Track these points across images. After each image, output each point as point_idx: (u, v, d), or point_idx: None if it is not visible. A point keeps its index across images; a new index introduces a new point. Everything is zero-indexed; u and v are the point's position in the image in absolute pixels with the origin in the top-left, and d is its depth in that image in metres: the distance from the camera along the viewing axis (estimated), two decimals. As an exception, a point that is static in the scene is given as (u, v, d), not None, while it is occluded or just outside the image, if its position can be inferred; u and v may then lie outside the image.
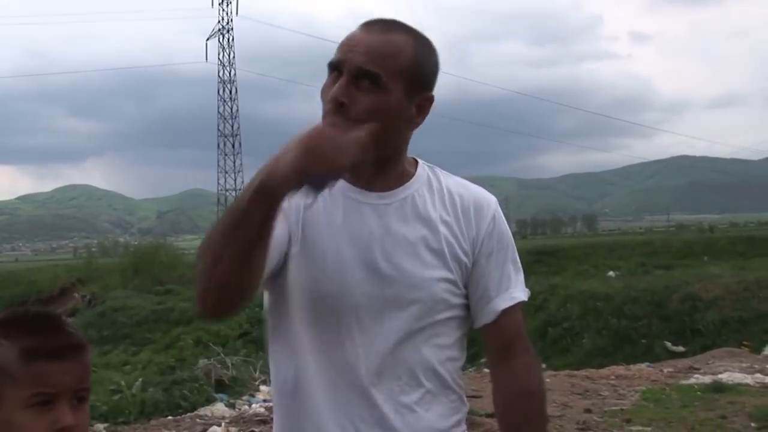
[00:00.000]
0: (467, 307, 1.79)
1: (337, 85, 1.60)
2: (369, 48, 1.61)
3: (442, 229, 1.73)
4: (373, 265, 1.66)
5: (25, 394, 1.41)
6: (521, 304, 1.82)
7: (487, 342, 1.83)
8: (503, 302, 1.78)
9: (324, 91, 1.65)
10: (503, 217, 1.82)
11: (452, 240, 1.73)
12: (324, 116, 1.63)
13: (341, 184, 1.67)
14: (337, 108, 1.60)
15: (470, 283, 1.77)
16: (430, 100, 1.71)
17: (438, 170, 1.82)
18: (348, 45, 1.63)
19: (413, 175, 1.77)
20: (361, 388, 1.66)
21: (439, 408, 1.74)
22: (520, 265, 1.84)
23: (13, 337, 1.45)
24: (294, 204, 1.66)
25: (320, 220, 1.68)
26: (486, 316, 1.78)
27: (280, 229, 1.60)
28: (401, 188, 1.73)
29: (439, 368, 1.74)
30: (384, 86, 1.61)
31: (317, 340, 1.67)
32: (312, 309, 1.67)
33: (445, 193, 1.77)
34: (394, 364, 1.67)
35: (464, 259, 1.74)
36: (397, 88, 1.62)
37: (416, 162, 1.80)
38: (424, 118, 1.71)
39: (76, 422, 1.42)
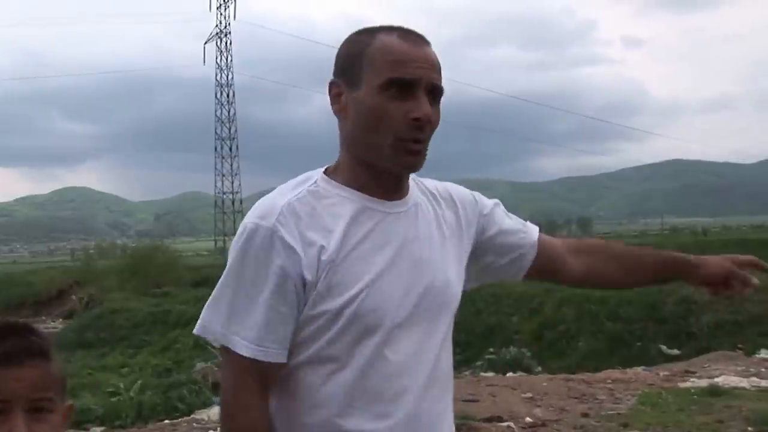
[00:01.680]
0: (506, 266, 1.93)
1: (424, 103, 1.61)
2: (432, 63, 1.64)
3: (450, 226, 1.80)
4: (408, 276, 1.66)
5: None
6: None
7: (545, 267, 1.96)
8: (534, 233, 1.95)
9: (390, 113, 1.62)
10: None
11: (460, 234, 1.81)
12: (399, 139, 1.61)
13: (358, 197, 1.67)
14: (426, 127, 1.62)
15: (491, 250, 1.89)
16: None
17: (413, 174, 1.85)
18: (411, 61, 1.62)
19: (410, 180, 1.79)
20: (406, 401, 1.64)
21: (450, 414, 1.79)
22: None
23: None
24: (304, 239, 1.60)
25: (350, 240, 1.63)
26: (531, 253, 1.93)
27: (286, 306, 1.59)
28: (409, 194, 1.74)
29: (451, 374, 1.80)
30: (439, 100, 1.66)
31: (355, 360, 1.61)
32: (347, 331, 1.60)
33: (435, 193, 1.83)
34: (435, 374, 1.70)
35: (468, 248, 1.84)
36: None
37: None
38: None
39: None
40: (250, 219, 1.62)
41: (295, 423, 1.65)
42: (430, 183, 1.85)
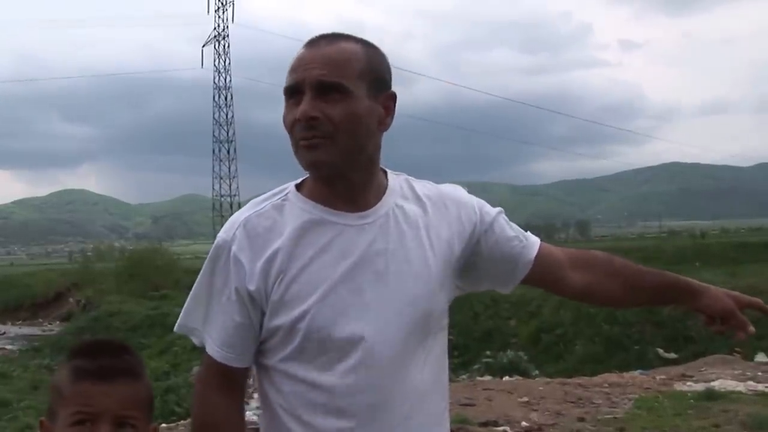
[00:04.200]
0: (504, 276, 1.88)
1: (303, 102, 1.62)
2: (323, 60, 1.63)
3: (431, 235, 1.75)
4: (364, 289, 1.65)
5: (69, 411, 1.44)
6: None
7: (544, 279, 1.92)
8: (533, 248, 1.88)
9: (286, 119, 1.67)
10: (474, 196, 1.88)
11: (443, 243, 1.76)
12: (297, 141, 1.64)
13: (319, 210, 1.69)
14: (309, 124, 1.61)
15: (488, 262, 1.84)
16: (394, 97, 1.74)
17: (406, 177, 1.83)
18: (301, 65, 1.65)
19: (387, 186, 1.77)
20: (365, 418, 1.63)
21: (432, 427, 1.76)
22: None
23: (72, 359, 1.50)
24: (254, 253, 1.67)
25: (305, 253, 1.66)
26: (525, 266, 1.87)
27: (240, 316, 1.67)
28: (380, 203, 1.72)
29: (441, 384, 1.77)
30: (349, 92, 1.63)
31: (311, 375, 1.64)
32: (304, 346, 1.65)
33: (423, 200, 1.78)
34: (406, 388, 1.67)
35: (458, 255, 1.78)
36: (360, 91, 1.64)
37: (385, 172, 1.81)
38: (392, 118, 1.73)
39: None
40: (219, 232, 1.73)
41: (265, 423, 1.75)
42: (423, 187, 1.82)
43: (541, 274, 1.89)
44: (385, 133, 1.73)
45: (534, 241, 1.90)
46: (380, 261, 1.67)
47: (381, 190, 1.75)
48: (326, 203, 1.69)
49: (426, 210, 1.77)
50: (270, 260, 1.65)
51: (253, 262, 1.66)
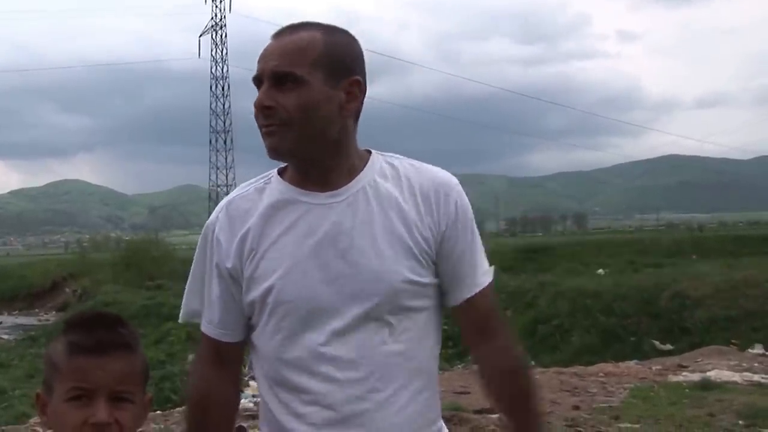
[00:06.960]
0: (440, 289, 1.82)
1: (260, 92, 1.70)
2: (280, 51, 1.70)
3: (400, 216, 1.74)
4: (328, 265, 1.69)
5: (66, 386, 1.45)
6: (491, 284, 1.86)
7: (460, 323, 1.87)
8: (469, 290, 1.82)
9: (254, 110, 1.74)
10: (465, 199, 1.82)
11: (412, 227, 1.73)
12: (259, 128, 1.72)
13: (292, 191, 1.76)
14: (265, 113, 1.69)
15: (439, 268, 1.79)
16: (357, 83, 1.74)
17: (394, 157, 1.83)
18: (263, 57, 1.72)
19: (364, 167, 1.78)
20: (332, 391, 1.68)
21: (408, 404, 1.73)
22: (481, 244, 1.86)
23: (67, 332, 1.51)
24: (231, 233, 1.77)
25: (273, 232, 1.74)
26: (454, 301, 1.82)
27: (225, 293, 1.79)
28: (353, 182, 1.75)
29: (420, 363, 1.76)
30: (302, 81, 1.67)
31: (278, 350, 1.72)
32: (271, 320, 1.73)
33: (402, 181, 1.77)
34: (374, 364, 1.69)
35: (424, 245, 1.74)
36: (315, 79, 1.67)
37: (369, 153, 1.82)
38: (358, 103, 1.75)
39: (112, 420, 1.45)
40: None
41: (261, 399, 1.83)
42: (411, 169, 1.80)
43: (461, 318, 1.85)
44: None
45: (478, 283, 1.83)
46: (344, 238, 1.71)
47: (355, 170, 1.77)
48: (300, 185, 1.76)
49: (402, 190, 1.76)
50: (243, 239, 1.75)
51: (230, 242, 1.77)
